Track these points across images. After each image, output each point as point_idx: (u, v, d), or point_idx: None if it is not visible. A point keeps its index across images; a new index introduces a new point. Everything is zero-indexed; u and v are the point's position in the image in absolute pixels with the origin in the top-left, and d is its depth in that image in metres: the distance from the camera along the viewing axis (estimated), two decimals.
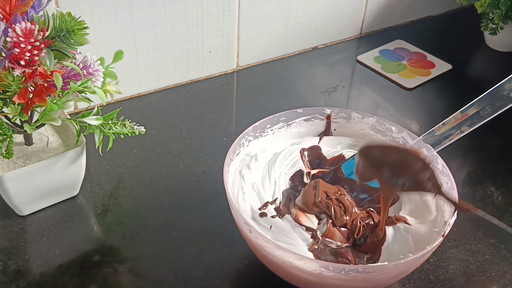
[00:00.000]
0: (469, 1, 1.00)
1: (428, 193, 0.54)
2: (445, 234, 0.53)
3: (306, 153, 0.66)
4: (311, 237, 0.57)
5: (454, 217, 0.54)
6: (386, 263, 0.54)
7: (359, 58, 0.99)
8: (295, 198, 0.61)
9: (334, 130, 0.68)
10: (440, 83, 0.94)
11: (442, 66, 0.97)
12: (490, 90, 0.55)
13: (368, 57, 0.99)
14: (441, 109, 0.88)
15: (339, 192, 0.60)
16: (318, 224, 0.58)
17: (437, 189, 0.52)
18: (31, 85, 0.56)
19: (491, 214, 0.69)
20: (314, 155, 0.66)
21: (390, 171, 0.55)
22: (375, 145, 0.58)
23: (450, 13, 1.14)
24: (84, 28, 0.56)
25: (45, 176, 0.63)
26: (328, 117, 0.68)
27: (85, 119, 0.62)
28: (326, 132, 0.68)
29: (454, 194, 0.56)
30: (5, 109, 0.57)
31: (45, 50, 0.54)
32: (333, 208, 0.58)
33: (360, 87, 0.92)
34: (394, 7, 1.06)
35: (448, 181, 0.58)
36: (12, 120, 0.61)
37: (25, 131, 0.60)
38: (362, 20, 1.04)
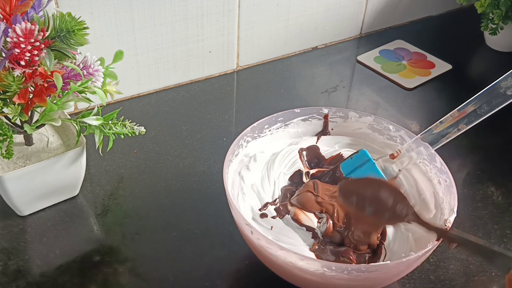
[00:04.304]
0: (469, 1, 1.00)
1: (406, 222, 0.55)
2: (448, 229, 0.53)
3: (304, 153, 0.66)
4: (312, 237, 0.57)
5: (454, 215, 0.54)
6: (388, 262, 0.54)
7: (359, 58, 0.99)
8: (292, 195, 0.61)
9: (332, 129, 0.68)
10: (440, 83, 0.94)
11: (442, 66, 0.97)
12: (487, 88, 0.55)
13: (368, 57, 0.99)
14: (441, 109, 0.88)
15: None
16: (318, 223, 0.59)
17: (415, 217, 0.53)
18: (31, 86, 0.57)
19: (491, 214, 0.69)
20: (312, 155, 0.66)
21: (368, 205, 0.56)
22: (351, 182, 0.59)
23: (450, 13, 1.14)
24: (84, 28, 0.56)
25: (45, 176, 0.63)
26: (326, 117, 0.68)
27: (85, 119, 0.62)
28: (324, 131, 0.68)
29: (453, 197, 0.56)
30: (5, 110, 0.57)
31: (45, 51, 0.54)
32: (336, 209, 0.58)
33: (360, 87, 0.92)
34: (394, 7, 1.06)
35: (446, 179, 0.58)
36: (12, 120, 0.61)
37: (25, 131, 0.60)
38: (362, 20, 1.04)
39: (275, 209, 0.60)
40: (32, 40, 0.53)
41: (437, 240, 0.52)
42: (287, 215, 0.59)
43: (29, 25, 0.53)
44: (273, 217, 0.58)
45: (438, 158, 0.60)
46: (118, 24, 0.79)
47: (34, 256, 0.62)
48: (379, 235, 0.57)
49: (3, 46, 0.54)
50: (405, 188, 0.62)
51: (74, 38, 0.56)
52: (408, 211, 0.53)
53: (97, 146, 0.63)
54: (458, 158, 0.78)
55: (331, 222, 0.58)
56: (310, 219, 0.58)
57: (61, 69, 0.57)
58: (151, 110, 0.85)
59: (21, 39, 0.53)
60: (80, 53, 0.59)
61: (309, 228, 0.58)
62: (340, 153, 0.65)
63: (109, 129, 0.63)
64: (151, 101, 0.86)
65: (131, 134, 0.65)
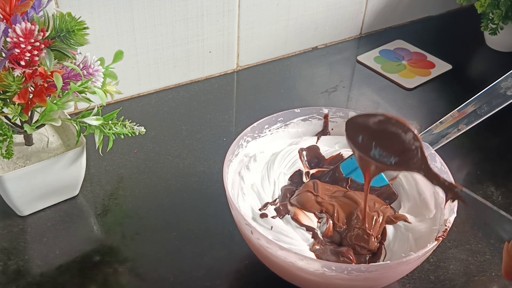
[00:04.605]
0: (469, 1, 1.00)
1: (415, 171, 0.52)
2: (447, 231, 0.53)
3: (304, 153, 0.66)
4: (312, 237, 0.57)
5: (454, 215, 0.54)
6: (388, 262, 0.54)
7: (359, 58, 0.99)
8: (292, 195, 0.61)
9: (332, 129, 0.68)
10: (440, 83, 0.94)
11: (442, 66, 0.97)
12: (487, 88, 0.55)
13: (368, 57, 0.99)
14: (441, 109, 0.88)
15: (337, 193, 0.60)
16: (318, 223, 0.59)
17: (426, 167, 0.50)
18: (31, 86, 0.57)
19: (492, 214, 0.69)
20: (312, 155, 0.66)
21: (377, 144, 0.52)
22: (362, 116, 0.55)
23: (450, 13, 1.14)
24: (84, 28, 0.56)
25: (45, 177, 0.63)
26: (326, 117, 0.68)
27: (85, 120, 0.62)
28: (324, 131, 0.68)
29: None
30: (5, 110, 0.57)
31: (45, 51, 0.54)
32: (337, 210, 0.58)
33: (360, 87, 0.92)
34: (394, 7, 1.06)
35: (446, 179, 0.58)
36: (12, 121, 0.61)
37: (25, 131, 0.60)
38: (362, 20, 1.04)
39: (275, 209, 0.60)
40: (32, 40, 0.53)
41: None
42: (287, 215, 0.59)
43: (29, 25, 0.53)
44: (273, 217, 0.58)
45: (438, 158, 0.60)
46: (118, 24, 0.79)
47: (34, 256, 0.62)
48: (378, 235, 0.57)
49: (3, 46, 0.54)
50: (405, 188, 0.62)
51: (74, 38, 0.56)
52: (419, 159, 0.49)
53: (97, 146, 0.63)
54: (458, 158, 0.78)
55: (331, 222, 0.58)
56: (310, 219, 0.58)
57: (61, 69, 0.57)
58: (151, 110, 0.85)
59: (21, 39, 0.53)
60: (80, 53, 0.59)
61: (309, 228, 0.58)
62: (340, 153, 0.65)
63: (109, 129, 0.63)
64: (151, 101, 0.86)
65: (131, 134, 0.65)
